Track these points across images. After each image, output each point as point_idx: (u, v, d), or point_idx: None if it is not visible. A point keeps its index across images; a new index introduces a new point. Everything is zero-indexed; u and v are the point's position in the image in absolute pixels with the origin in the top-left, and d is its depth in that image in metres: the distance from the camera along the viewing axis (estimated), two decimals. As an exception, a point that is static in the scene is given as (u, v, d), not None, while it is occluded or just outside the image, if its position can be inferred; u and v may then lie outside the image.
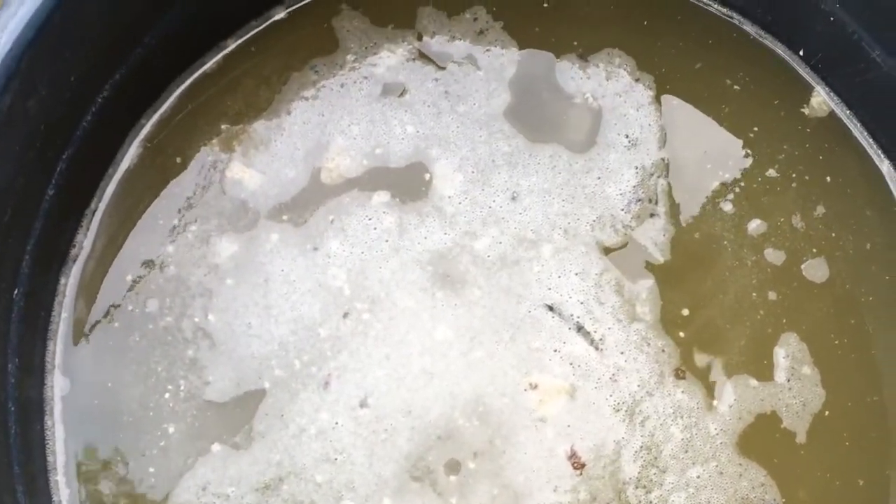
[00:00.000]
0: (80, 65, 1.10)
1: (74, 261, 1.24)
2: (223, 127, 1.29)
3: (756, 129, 1.30)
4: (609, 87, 1.31)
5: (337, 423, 1.20)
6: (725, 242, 1.26)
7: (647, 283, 1.25)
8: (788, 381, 1.22)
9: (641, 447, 1.20)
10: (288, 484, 1.18)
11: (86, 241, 1.25)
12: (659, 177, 1.28)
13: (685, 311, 1.24)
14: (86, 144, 1.19)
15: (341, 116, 1.30)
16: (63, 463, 1.19)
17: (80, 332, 1.22)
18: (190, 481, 1.19)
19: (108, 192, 1.27)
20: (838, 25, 1.23)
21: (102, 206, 1.26)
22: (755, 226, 1.27)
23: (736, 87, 1.31)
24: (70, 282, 1.23)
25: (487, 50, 1.32)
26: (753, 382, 1.22)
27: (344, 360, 1.22)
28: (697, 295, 1.24)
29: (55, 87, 1.08)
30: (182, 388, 1.21)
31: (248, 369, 1.21)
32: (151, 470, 1.19)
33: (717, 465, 1.19)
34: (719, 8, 1.34)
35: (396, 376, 1.21)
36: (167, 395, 1.21)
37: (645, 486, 1.19)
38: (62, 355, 1.21)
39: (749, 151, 1.29)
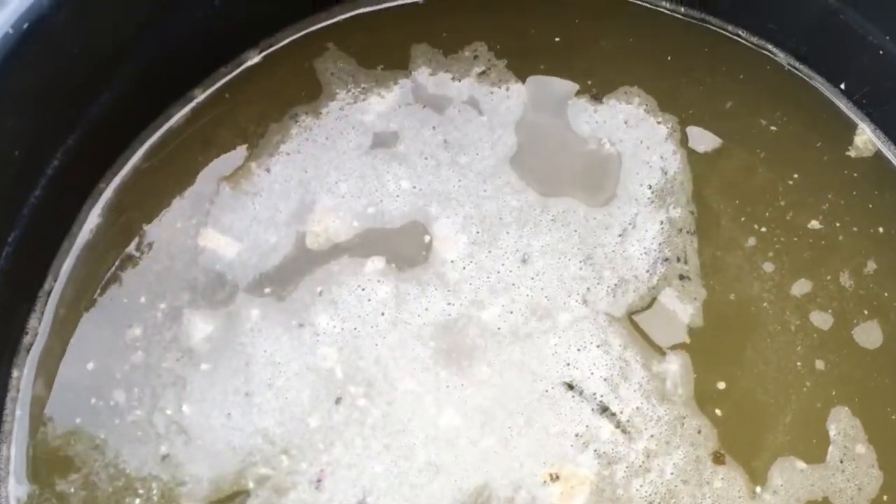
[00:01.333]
0: (24, 138, 0.94)
1: (28, 350, 1.09)
2: (194, 188, 1.14)
3: (796, 175, 1.16)
4: (628, 130, 1.17)
5: (332, 527, 1.05)
6: (765, 305, 1.12)
7: (678, 355, 1.10)
8: (841, 461, 1.08)
9: (678, 545, 1.05)
10: None
11: (40, 326, 1.10)
12: (687, 232, 1.13)
13: (721, 385, 1.09)
14: (36, 218, 1.04)
15: (327, 172, 1.15)
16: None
17: (36, 431, 1.07)
18: None
19: (63, 268, 1.12)
20: (888, 59, 1.08)
21: (58, 286, 1.11)
22: (798, 286, 1.13)
23: (772, 127, 1.17)
24: (24, 374, 1.08)
25: (490, 91, 1.18)
26: (801, 465, 1.08)
27: (338, 454, 1.07)
28: (735, 366, 1.10)
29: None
30: (154, 491, 1.06)
31: (229, 467, 1.07)
32: (122, 589, 1.04)
33: (764, 563, 1.05)
34: (749, 37, 1.19)
35: (398, 471, 1.07)
36: (137, 501, 1.06)
37: (684, 591, 1.04)
38: (17, 460, 1.06)
39: (789, 201, 1.15)
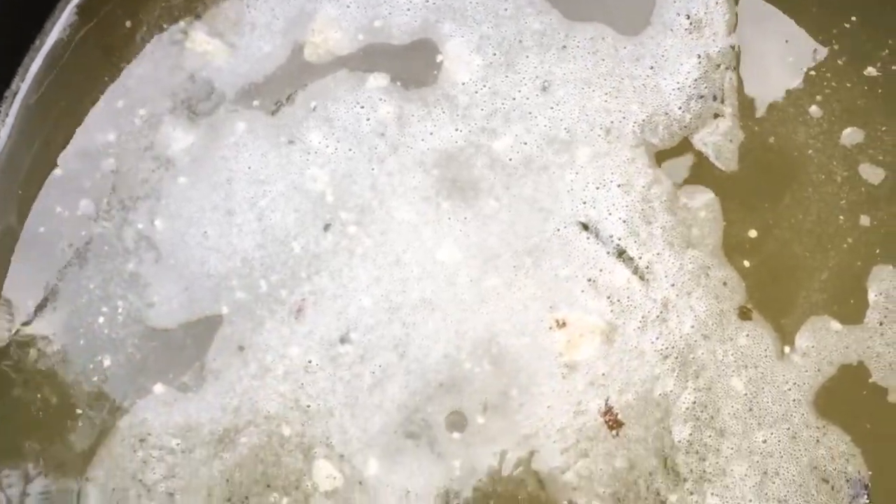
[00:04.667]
0: None
1: (-11, 150, 0.98)
2: (183, -13, 1.03)
3: (854, 17, 1.03)
4: (668, -48, 1.04)
5: (311, 363, 0.95)
6: (810, 152, 1.00)
7: (707, 199, 0.99)
8: (881, 324, 0.97)
9: (695, 404, 0.95)
10: (247, 436, 0.94)
11: (2, 130, 0.99)
12: (727, 69, 1.01)
13: (753, 234, 0.98)
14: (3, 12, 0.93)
15: (331, -21, 1.03)
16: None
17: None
18: (125, 430, 0.95)
19: (32, 69, 1.01)
20: None
21: (25, 86, 1.00)
22: (848, 135, 1.01)
23: (830, -42, 1.04)
24: (-17, 176, 0.98)
25: None
26: (836, 326, 0.96)
27: (322, 283, 0.96)
28: (770, 215, 0.99)
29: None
30: (120, 310, 0.96)
31: (203, 290, 0.96)
32: (79, 412, 0.94)
33: (788, 428, 0.94)
34: None
35: (388, 306, 0.96)
36: (102, 320, 0.96)
37: (697, 452, 0.94)
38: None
39: (844, 45, 1.03)
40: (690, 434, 0.95)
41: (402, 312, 0.96)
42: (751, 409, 0.95)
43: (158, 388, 0.95)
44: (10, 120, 1.00)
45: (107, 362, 0.95)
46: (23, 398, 0.95)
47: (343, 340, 0.96)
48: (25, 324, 0.96)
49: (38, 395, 0.95)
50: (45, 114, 1.00)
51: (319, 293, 0.97)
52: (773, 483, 0.94)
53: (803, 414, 0.95)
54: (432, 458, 0.94)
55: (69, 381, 0.95)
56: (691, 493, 0.93)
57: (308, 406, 0.95)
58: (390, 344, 0.96)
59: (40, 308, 0.96)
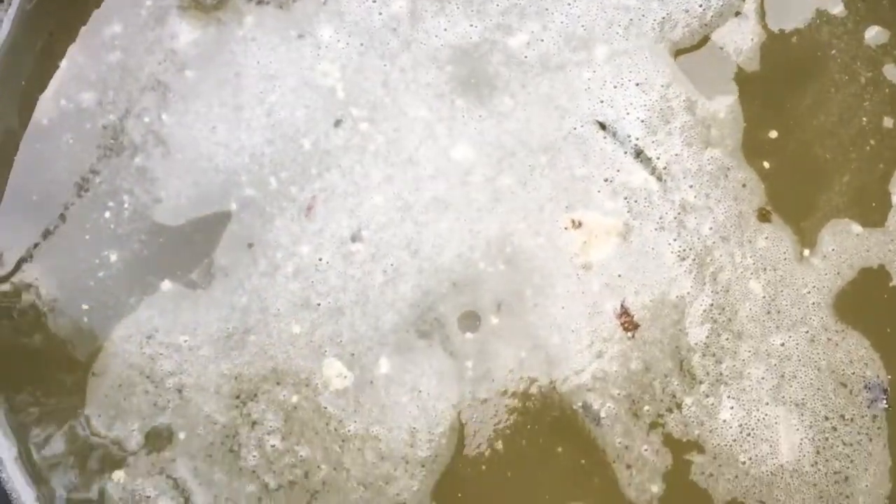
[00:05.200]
0: None
1: (-10, 42, 0.96)
2: None
3: None
4: None
5: (321, 260, 0.93)
6: (833, 52, 0.98)
7: (728, 100, 0.97)
8: (903, 229, 0.95)
9: (712, 306, 0.93)
10: (256, 334, 0.92)
11: (5, 22, 0.97)
12: (749, -36, 0.99)
13: (773, 134, 0.96)
14: None
15: None
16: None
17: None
18: (132, 327, 0.93)
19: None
20: None
21: (26, -31, 0.97)
22: (874, 34, 0.98)
23: None
24: (-16, 67, 0.95)
25: None
26: (857, 228, 0.94)
27: (333, 181, 0.94)
28: (790, 115, 0.97)
29: None
30: (126, 205, 0.94)
31: (211, 185, 0.94)
32: (85, 307, 0.93)
33: (807, 332, 0.93)
34: None
35: (400, 204, 0.94)
36: (108, 215, 0.94)
37: (714, 355, 0.92)
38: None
39: (869, -64, 1.00)
40: (707, 337, 0.93)
41: (414, 211, 0.94)
42: (769, 312, 0.94)
43: (166, 284, 0.93)
44: (12, 12, 0.97)
45: (113, 257, 0.94)
46: (27, 294, 0.93)
47: (354, 238, 0.94)
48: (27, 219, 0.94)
49: (44, 291, 0.93)
50: (49, 6, 0.97)
51: (330, 190, 0.94)
52: (791, 386, 0.92)
53: (822, 317, 0.94)
54: (445, 358, 0.92)
55: (74, 277, 0.93)
56: (707, 396, 0.92)
57: (318, 304, 0.93)
58: (402, 243, 0.94)
59: (45, 202, 0.94)
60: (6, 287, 0.93)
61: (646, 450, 0.91)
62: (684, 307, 0.93)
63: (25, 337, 0.92)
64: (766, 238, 0.94)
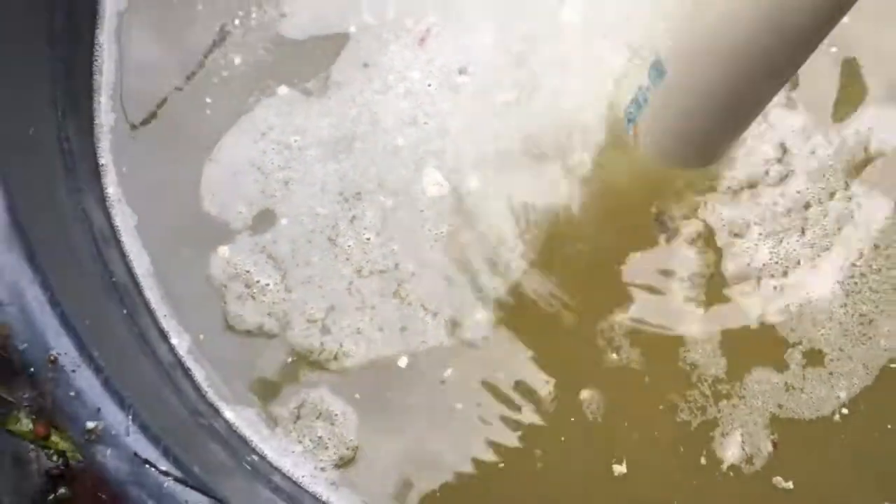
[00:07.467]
0: None
1: None
2: None
3: None
4: None
5: (430, 86, 1.01)
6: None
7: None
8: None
9: (783, 165, 1.00)
10: (362, 142, 0.99)
11: None
12: None
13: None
14: None
15: None
16: (111, 83, 1.00)
17: None
18: (248, 123, 1.00)
19: None
20: None
21: None
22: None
23: None
24: None
25: None
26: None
27: (448, 17, 1.02)
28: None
29: None
30: (254, 16, 1.02)
31: (333, 7, 1.02)
32: (208, 100, 1.00)
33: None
34: None
35: (514, 51, 1.01)
36: (237, 22, 1.02)
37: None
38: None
39: None
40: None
41: (528, 61, 1.02)
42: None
43: (283, 89, 1.00)
44: None
45: (237, 60, 1.01)
46: (154, 85, 1.00)
47: (462, 72, 1.01)
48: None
49: (171, 82, 1.00)
50: None
51: (442, 25, 1.02)
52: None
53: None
54: (544, 181, 0.99)
55: (201, 76, 1.00)
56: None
57: (425, 123, 1.00)
58: (511, 84, 1.01)
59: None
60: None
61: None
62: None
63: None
64: None
